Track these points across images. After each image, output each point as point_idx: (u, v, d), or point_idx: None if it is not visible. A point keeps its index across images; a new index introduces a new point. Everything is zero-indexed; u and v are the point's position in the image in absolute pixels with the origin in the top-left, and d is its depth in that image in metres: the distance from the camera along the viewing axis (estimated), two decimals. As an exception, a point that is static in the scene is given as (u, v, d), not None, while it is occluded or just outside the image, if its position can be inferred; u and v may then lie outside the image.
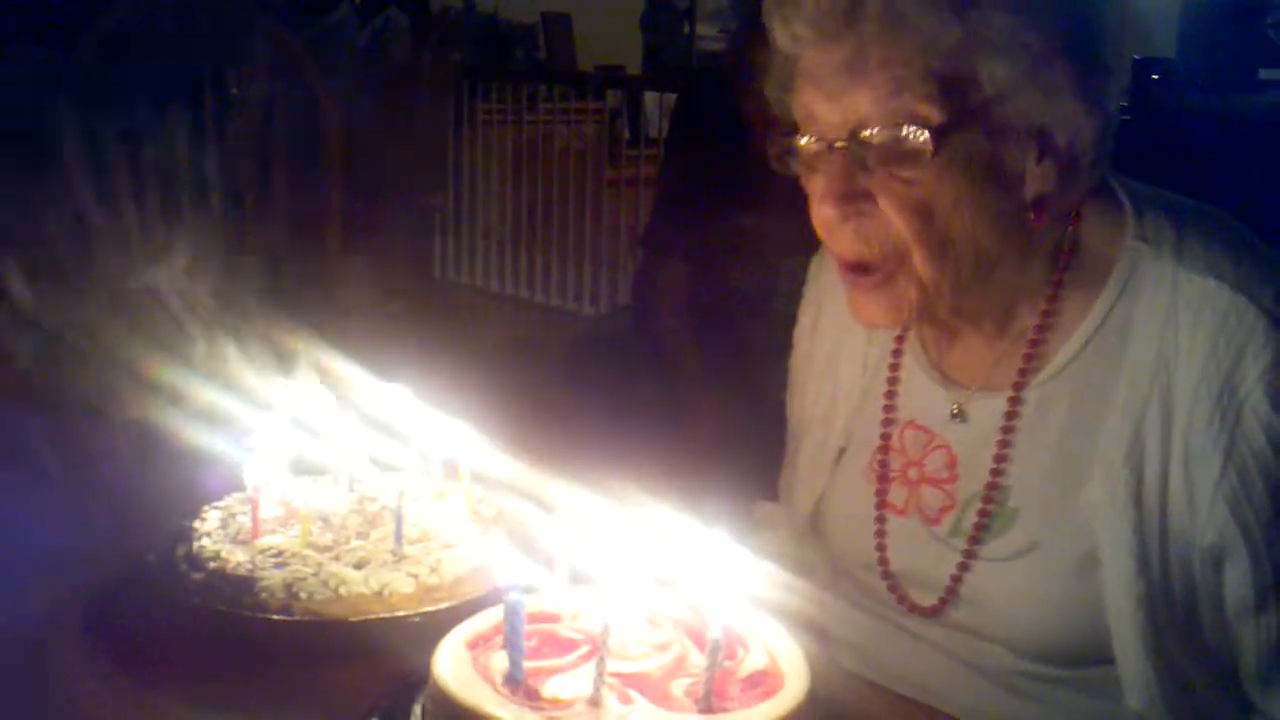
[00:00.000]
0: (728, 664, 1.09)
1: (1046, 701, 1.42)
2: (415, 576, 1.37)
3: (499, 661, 1.07)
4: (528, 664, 1.06)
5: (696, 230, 2.92)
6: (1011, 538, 1.43)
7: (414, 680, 1.13)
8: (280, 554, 1.41)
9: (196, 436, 1.68)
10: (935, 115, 1.30)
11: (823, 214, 1.38)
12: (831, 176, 1.36)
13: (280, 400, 1.61)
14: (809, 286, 1.74)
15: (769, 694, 1.05)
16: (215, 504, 1.53)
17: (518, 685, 1.04)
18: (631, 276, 3.41)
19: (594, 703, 1.02)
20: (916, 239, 1.35)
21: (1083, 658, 1.39)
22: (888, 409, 1.57)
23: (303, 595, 1.34)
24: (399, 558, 1.41)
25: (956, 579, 1.45)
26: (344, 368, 1.82)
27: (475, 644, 1.12)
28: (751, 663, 1.10)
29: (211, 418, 1.70)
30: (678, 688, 1.07)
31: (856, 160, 1.34)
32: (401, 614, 1.34)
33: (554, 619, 1.16)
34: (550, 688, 1.05)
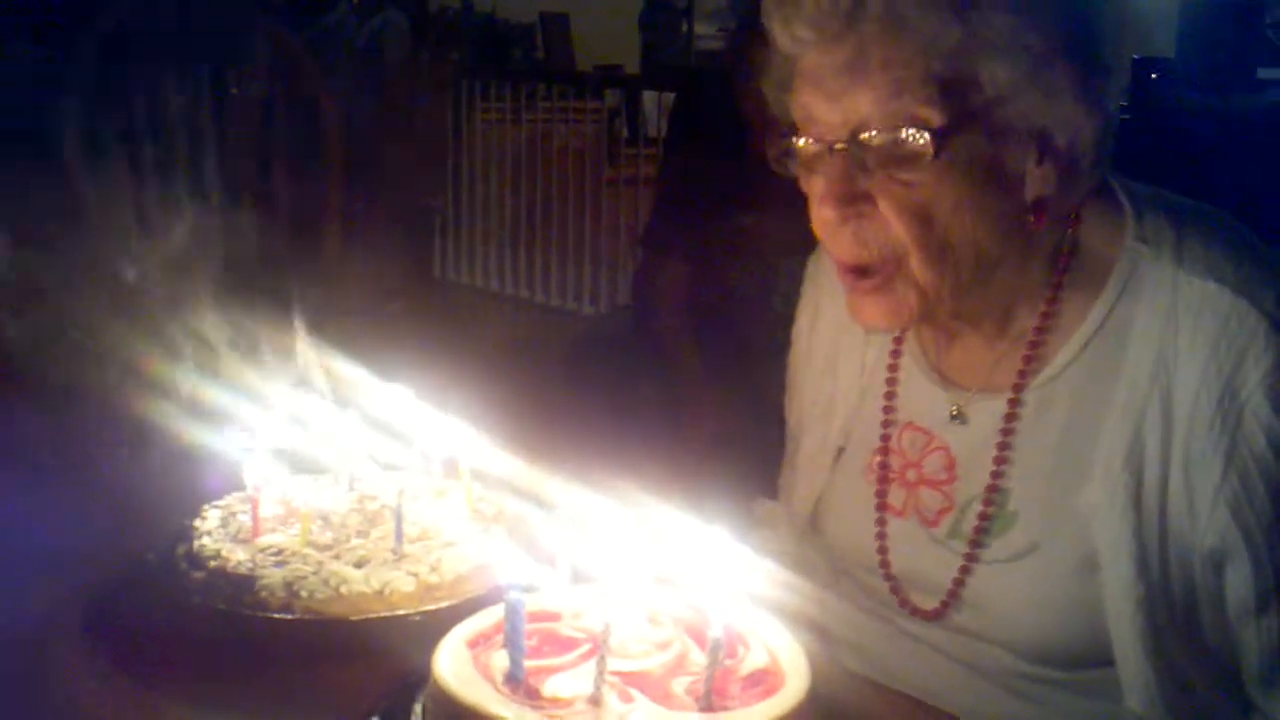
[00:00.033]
0: (728, 662, 1.09)
1: (1046, 703, 1.42)
2: (416, 575, 1.37)
3: (499, 660, 1.07)
4: (528, 663, 1.06)
5: (695, 230, 2.93)
6: (1011, 540, 1.43)
7: (414, 679, 1.13)
8: (280, 553, 1.41)
9: (196, 435, 1.68)
10: (936, 118, 1.30)
11: (822, 216, 1.38)
12: (831, 178, 1.36)
13: (280, 399, 1.61)
14: (807, 286, 1.74)
15: (770, 692, 1.05)
16: (215, 503, 1.53)
17: (518, 684, 1.04)
18: (631, 276, 3.41)
19: (595, 701, 1.02)
20: (916, 242, 1.34)
21: (1083, 659, 1.39)
22: (886, 410, 1.57)
23: (303, 594, 1.34)
24: (399, 556, 1.41)
25: (958, 582, 1.45)
26: (344, 367, 1.82)
27: (476, 643, 1.12)
28: (752, 661, 1.10)
29: (211, 417, 1.70)
30: (678, 686, 1.07)
31: (856, 162, 1.34)
32: (402, 613, 1.34)
33: (555, 618, 1.16)
34: (551, 686, 1.05)
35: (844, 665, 1.51)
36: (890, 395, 1.57)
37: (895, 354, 1.58)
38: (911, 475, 1.53)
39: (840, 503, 1.60)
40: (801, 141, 1.39)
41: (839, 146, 1.34)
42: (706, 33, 10.26)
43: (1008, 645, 1.42)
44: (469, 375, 1.85)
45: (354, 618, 1.33)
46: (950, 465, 1.49)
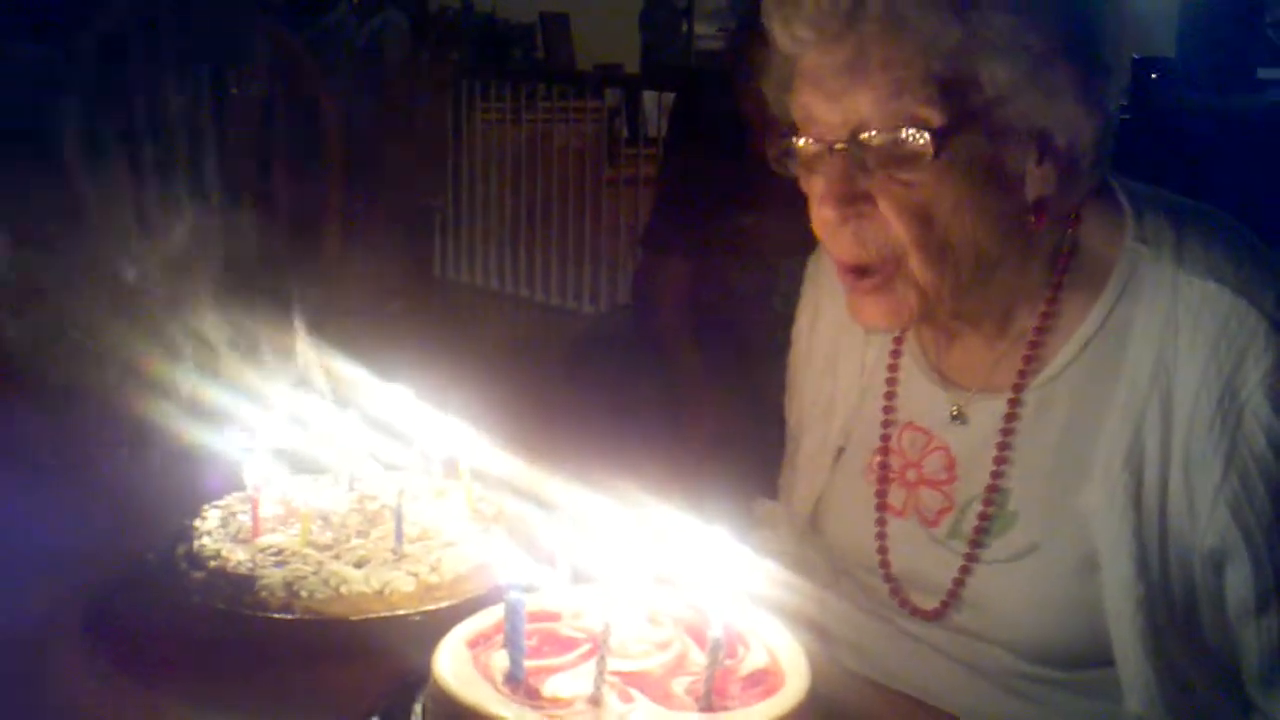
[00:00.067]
0: (728, 662, 1.09)
1: (1046, 703, 1.42)
2: (415, 575, 1.37)
3: (499, 660, 1.07)
4: (528, 663, 1.06)
5: (695, 230, 2.92)
6: (1011, 540, 1.42)
7: (414, 679, 1.13)
8: (280, 552, 1.41)
9: (196, 435, 1.68)
10: (936, 118, 1.30)
11: (822, 216, 1.38)
12: (831, 178, 1.35)
13: (280, 399, 1.61)
14: (807, 286, 1.74)
15: (770, 692, 1.05)
16: (215, 503, 1.53)
17: (518, 684, 1.04)
18: (631, 275, 3.41)
19: (595, 701, 1.02)
20: (915, 242, 1.34)
21: (1082, 660, 1.39)
22: (886, 410, 1.57)
23: (303, 594, 1.34)
24: (399, 556, 1.41)
25: (958, 582, 1.45)
26: (344, 367, 1.82)
27: (476, 643, 1.11)
28: (752, 661, 1.10)
29: (211, 417, 1.70)
30: (678, 686, 1.07)
31: (856, 162, 1.33)
32: (402, 613, 1.34)
33: (554, 617, 1.16)
34: (551, 686, 1.05)
35: (844, 665, 1.51)
36: (890, 395, 1.57)
37: (895, 354, 1.58)
38: (911, 475, 1.52)
39: (840, 503, 1.60)
40: (801, 141, 1.39)
41: (839, 146, 1.34)
42: (706, 32, 10.26)
43: (1007, 645, 1.42)
44: (469, 374, 1.85)
45: (354, 618, 1.33)
46: (950, 465, 1.49)
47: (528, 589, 1.08)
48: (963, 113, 1.30)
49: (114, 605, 1.43)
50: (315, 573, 1.36)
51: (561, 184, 7.50)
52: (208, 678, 1.30)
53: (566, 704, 1.03)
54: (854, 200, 1.35)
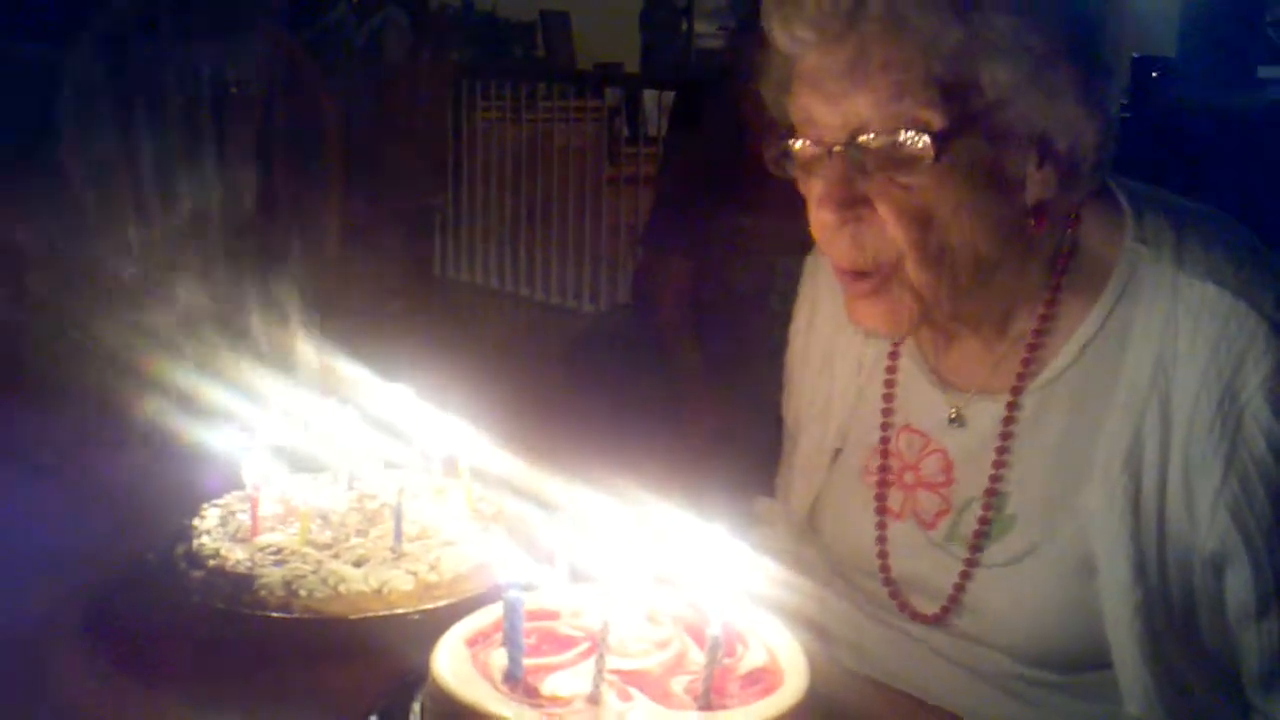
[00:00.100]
0: (727, 661, 1.09)
1: (1045, 705, 1.41)
2: (414, 574, 1.37)
3: (498, 659, 1.07)
4: (527, 661, 1.06)
5: (695, 228, 2.93)
6: (1009, 543, 1.42)
7: (413, 678, 1.13)
8: (279, 551, 1.41)
9: (196, 434, 1.68)
10: (936, 120, 1.29)
11: (820, 219, 1.37)
12: (830, 181, 1.34)
13: (280, 398, 1.61)
14: (804, 285, 1.73)
15: (768, 691, 1.05)
16: (214, 502, 1.53)
17: (517, 683, 1.04)
18: (631, 274, 3.41)
19: (593, 700, 1.02)
20: (914, 245, 1.33)
21: (1081, 663, 1.38)
22: (884, 412, 1.56)
23: (302, 593, 1.34)
24: (398, 555, 1.41)
25: (959, 587, 1.44)
26: (345, 366, 1.82)
27: (475, 641, 1.12)
28: (751, 660, 1.10)
29: (211, 415, 1.70)
30: (677, 685, 1.07)
31: (855, 165, 1.32)
32: (401, 611, 1.34)
33: (553, 616, 1.16)
34: (550, 685, 1.05)
35: (843, 664, 1.51)
36: (888, 397, 1.56)
37: (893, 355, 1.57)
38: (909, 478, 1.52)
39: (838, 504, 1.59)
40: (800, 144, 1.38)
41: (838, 149, 1.33)
42: (706, 31, 10.27)
43: (1006, 649, 1.42)
44: (469, 373, 1.85)
45: (353, 616, 1.33)
46: (948, 468, 1.49)
47: (526, 587, 1.08)
48: (963, 115, 1.29)
49: (113, 604, 1.43)
50: (314, 572, 1.36)
51: (562, 183, 7.50)
52: (207, 677, 1.30)
53: (565, 702, 1.03)
54: (853, 203, 1.34)
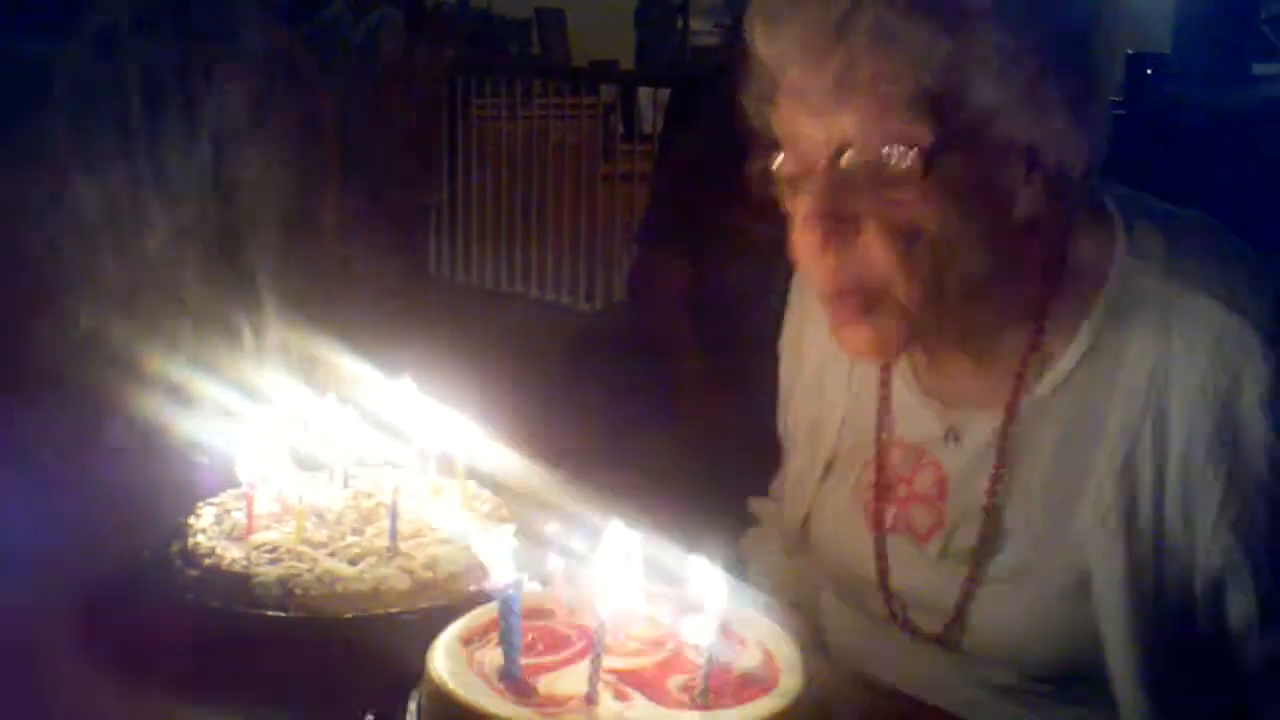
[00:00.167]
0: (724, 660, 1.09)
1: (1045, 712, 1.41)
2: (411, 572, 1.37)
3: (494, 658, 1.07)
4: (523, 660, 1.06)
5: (691, 226, 2.93)
6: (1003, 560, 1.40)
7: (409, 676, 1.13)
8: (275, 550, 1.41)
9: (192, 432, 1.68)
10: (924, 135, 1.25)
11: (805, 239, 1.32)
12: (816, 197, 1.30)
13: (277, 396, 1.61)
14: (793, 297, 1.70)
15: (765, 690, 1.05)
16: (210, 500, 1.53)
17: (513, 682, 1.04)
18: (626, 271, 3.41)
19: (590, 699, 1.02)
20: (901, 262, 1.29)
21: (1079, 675, 1.37)
22: (877, 426, 1.54)
23: (298, 591, 1.34)
24: (394, 554, 1.41)
25: (962, 604, 1.42)
26: (342, 365, 1.82)
27: (470, 640, 1.11)
28: (748, 659, 1.10)
29: (207, 413, 1.70)
30: (674, 684, 1.07)
31: (842, 181, 1.28)
32: (397, 610, 1.34)
33: (550, 615, 1.16)
34: (546, 684, 1.05)
35: (840, 664, 1.51)
36: (881, 411, 1.54)
37: (885, 369, 1.54)
38: (902, 491, 1.50)
39: (833, 518, 1.57)
40: (785, 159, 1.34)
41: (824, 165, 1.29)
42: (702, 29, 10.25)
43: (1007, 663, 1.41)
44: (465, 371, 1.85)
45: (349, 615, 1.33)
46: (941, 482, 1.47)
47: (523, 586, 1.08)
48: (951, 130, 1.26)
49: (108, 603, 1.43)
50: (310, 570, 1.36)
51: (557, 180, 7.50)
52: (202, 675, 1.30)
53: (562, 702, 1.03)
54: (839, 221, 1.30)
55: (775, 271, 1.73)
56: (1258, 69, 7.05)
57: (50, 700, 1.30)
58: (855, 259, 1.31)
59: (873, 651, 1.53)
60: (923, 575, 1.46)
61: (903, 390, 1.53)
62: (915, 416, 1.51)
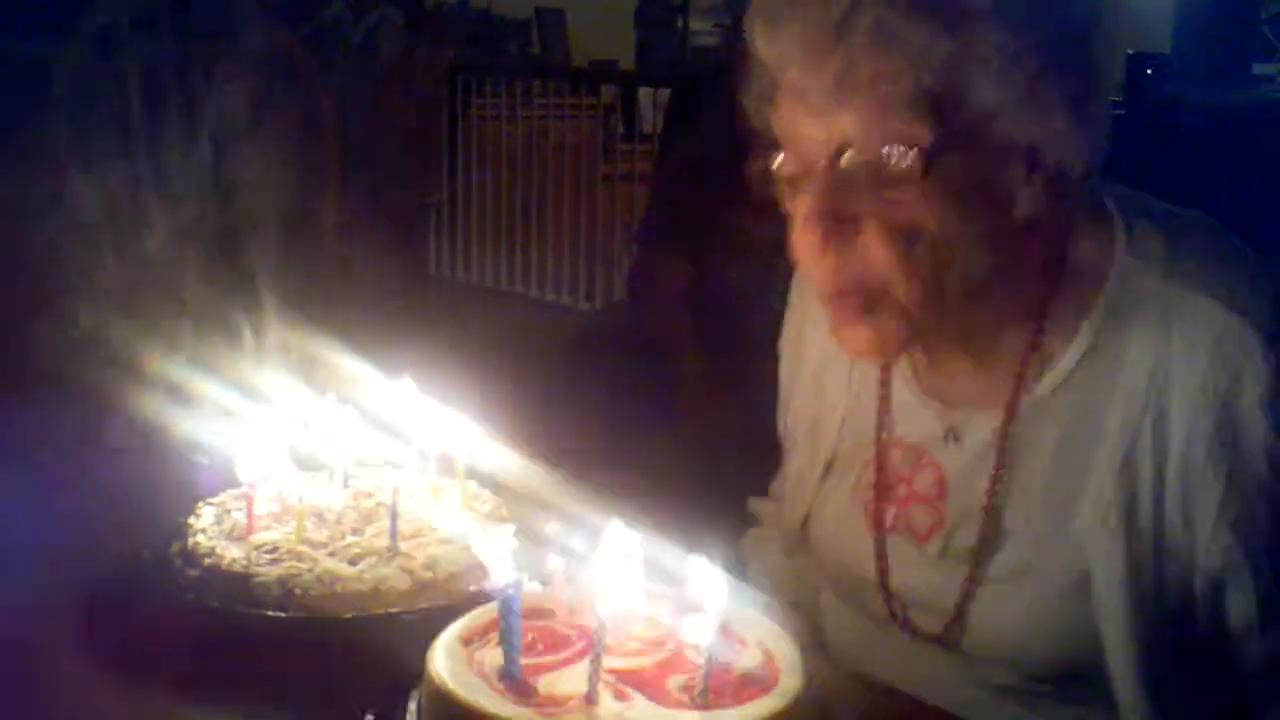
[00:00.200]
0: (724, 660, 1.09)
1: (1046, 711, 1.41)
2: (410, 572, 1.37)
3: (494, 658, 1.07)
4: (523, 660, 1.06)
5: (691, 226, 2.93)
6: (1004, 560, 1.40)
7: (409, 677, 1.13)
8: (275, 550, 1.41)
9: (192, 432, 1.68)
10: (924, 135, 1.25)
11: (805, 240, 1.32)
12: (816, 197, 1.30)
13: (277, 396, 1.61)
14: (793, 298, 1.70)
15: (765, 690, 1.05)
16: (210, 500, 1.53)
17: (513, 682, 1.05)
18: (626, 271, 3.41)
19: (590, 699, 1.02)
20: (901, 263, 1.29)
21: (1080, 674, 1.37)
22: (877, 426, 1.53)
23: (298, 591, 1.34)
24: (394, 554, 1.41)
25: (962, 604, 1.42)
26: (341, 365, 1.82)
27: (470, 640, 1.11)
28: (748, 659, 1.10)
29: (207, 413, 1.70)
30: (674, 684, 1.07)
31: (842, 181, 1.28)
32: (396, 610, 1.34)
33: (550, 615, 1.16)
34: (546, 684, 1.05)
35: (840, 664, 1.51)
36: (881, 411, 1.54)
37: (885, 369, 1.54)
38: (902, 491, 1.50)
39: (833, 518, 1.57)
40: (785, 159, 1.34)
41: (824, 165, 1.29)
42: (702, 28, 10.26)
43: (1008, 662, 1.41)
44: (465, 371, 1.85)
45: (349, 615, 1.33)
46: (940, 482, 1.47)
47: (523, 586, 1.08)
48: (951, 130, 1.26)
49: (108, 603, 1.43)
50: (310, 570, 1.36)
51: (557, 180, 7.50)
52: (202, 675, 1.30)
53: (562, 702, 1.03)
54: (839, 222, 1.30)
55: (775, 271, 1.72)
56: (1258, 69, 7.06)
57: (50, 700, 1.30)
58: (855, 259, 1.31)
59: (872, 651, 1.53)
60: (923, 575, 1.46)
61: (903, 390, 1.53)
62: (915, 416, 1.51)
